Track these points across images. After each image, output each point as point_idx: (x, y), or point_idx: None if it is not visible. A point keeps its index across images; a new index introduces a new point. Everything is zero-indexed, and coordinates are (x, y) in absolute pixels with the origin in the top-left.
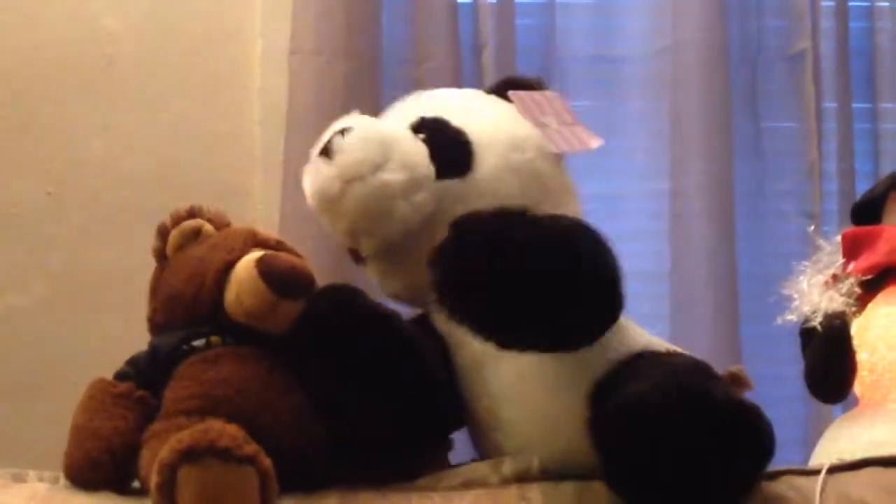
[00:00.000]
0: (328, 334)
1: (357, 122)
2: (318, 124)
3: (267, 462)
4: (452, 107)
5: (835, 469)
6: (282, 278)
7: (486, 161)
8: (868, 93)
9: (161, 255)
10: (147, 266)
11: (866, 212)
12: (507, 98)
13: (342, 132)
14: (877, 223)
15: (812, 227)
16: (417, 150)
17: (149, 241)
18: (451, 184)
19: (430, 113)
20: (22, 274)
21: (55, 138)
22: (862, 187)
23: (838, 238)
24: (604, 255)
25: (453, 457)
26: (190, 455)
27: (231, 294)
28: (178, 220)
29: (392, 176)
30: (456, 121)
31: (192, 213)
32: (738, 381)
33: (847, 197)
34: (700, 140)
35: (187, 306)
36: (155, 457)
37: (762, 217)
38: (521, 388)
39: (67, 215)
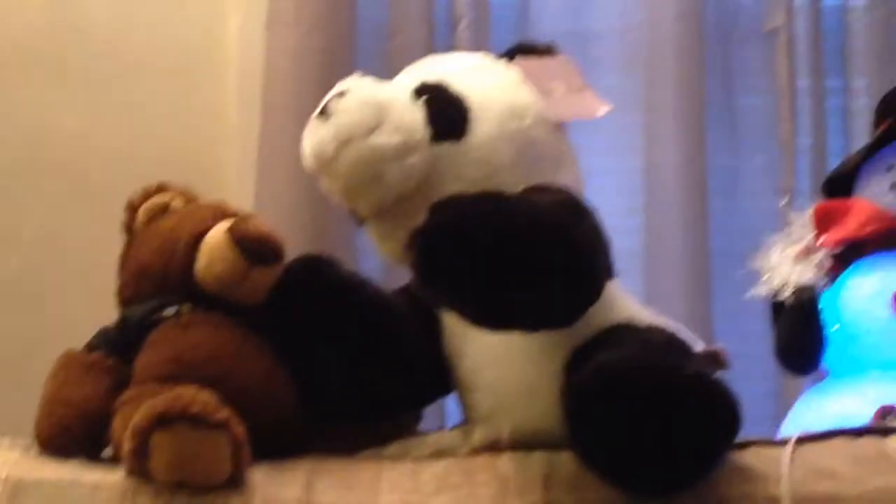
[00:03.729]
0: (303, 302)
1: (355, 84)
2: (294, 98)
3: (239, 429)
4: (456, 72)
5: (803, 440)
6: (253, 244)
7: (482, 127)
8: (840, 70)
9: (129, 230)
10: (119, 240)
11: (837, 186)
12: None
13: (340, 94)
14: (848, 197)
15: (784, 202)
16: (413, 114)
17: (121, 215)
18: (446, 148)
19: (432, 77)
20: None
21: (26, 112)
22: (834, 164)
23: (810, 212)
24: (585, 229)
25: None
26: (162, 421)
27: (202, 262)
28: (146, 195)
29: (385, 139)
30: (457, 85)
31: (161, 189)
32: (715, 359)
33: (819, 173)
34: (674, 116)
35: (157, 278)
36: (127, 423)
37: (736, 193)
38: (502, 352)
39: (39, 189)
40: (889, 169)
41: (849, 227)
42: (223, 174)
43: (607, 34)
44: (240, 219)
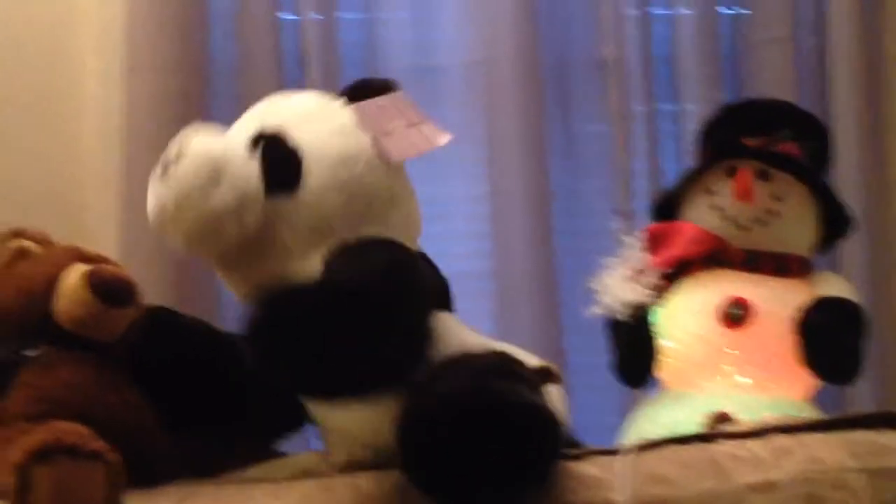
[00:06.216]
0: (166, 337)
1: (193, 143)
2: (155, 139)
3: (114, 456)
4: (293, 118)
5: (638, 448)
6: (108, 288)
7: (314, 178)
8: (672, 96)
9: None
10: None
11: (665, 208)
12: None
13: (178, 153)
14: (675, 219)
15: (619, 224)
16: (247, 171)
17: None
18: (280, 200)
19: (271, 125)
20: None
21: None
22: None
23: (641, 234)
24: (400, 300)
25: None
26: (42, 455)
27: (60, 304)
28: (2, 240)
29: (221, 197)
30: (293, 135)
31: (17, 234)
32: (547, 374)
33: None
34: (515, 144)
35: (18, 320)
36: (4, 462)
37: (578, 215)
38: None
39: None
40: (710, 192)
41: (677, 247)
42: (84, 216)
43: (451, 69)
44: (95, 262)
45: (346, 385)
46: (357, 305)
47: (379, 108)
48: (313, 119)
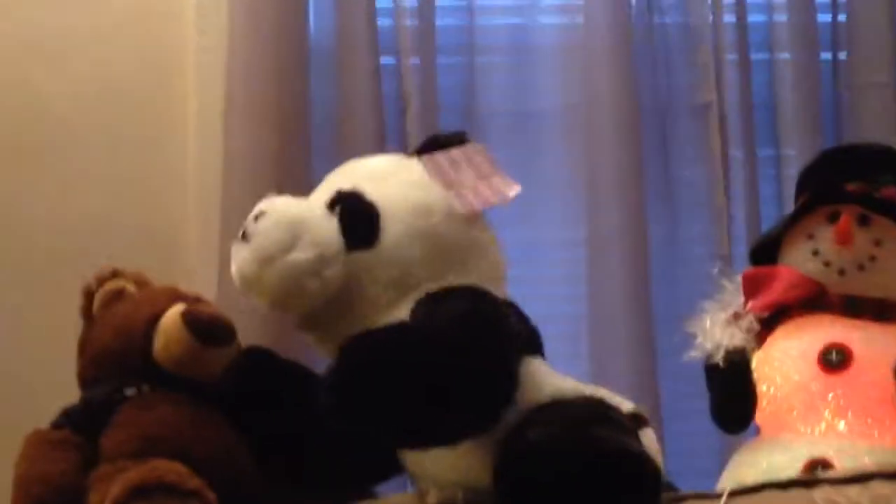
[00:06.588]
0: (264, 378)
1: (271, 205)
2: (252, 180)
3: (211, 496)
4: (369, 177)
5: (736, 493)
6: (206, 327)
7: (392, 230)
8: (771, 140)
9: (87, 315)
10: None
11: (764, 253)
12: None
13: (257, 217)
14: (774, 263)
15: (717, 269)
16: (327, 228)
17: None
18: (360, 255)
19: (347, 185)
20: None
21: None
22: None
23: (739, 278)
24: (481, 343)
25: None
26: (140, 491)
27: (159, 344)
28: (101, 281)
29: (302, 255)
30: (369, 192)
31: (115, 274)
32: (638, 419)
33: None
34: (613, 188)
35: (117, 359)
36: (104, 498)
37: (675, 260)
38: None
39: (4, 267)
40: (810, 237)
41: (775, 292)
42: (188, 256)
43: (549, 113)
44: (192, 302)
45: (430, 433)
46: (436, 353)
47: (448, 161)
48: (387, 175)
